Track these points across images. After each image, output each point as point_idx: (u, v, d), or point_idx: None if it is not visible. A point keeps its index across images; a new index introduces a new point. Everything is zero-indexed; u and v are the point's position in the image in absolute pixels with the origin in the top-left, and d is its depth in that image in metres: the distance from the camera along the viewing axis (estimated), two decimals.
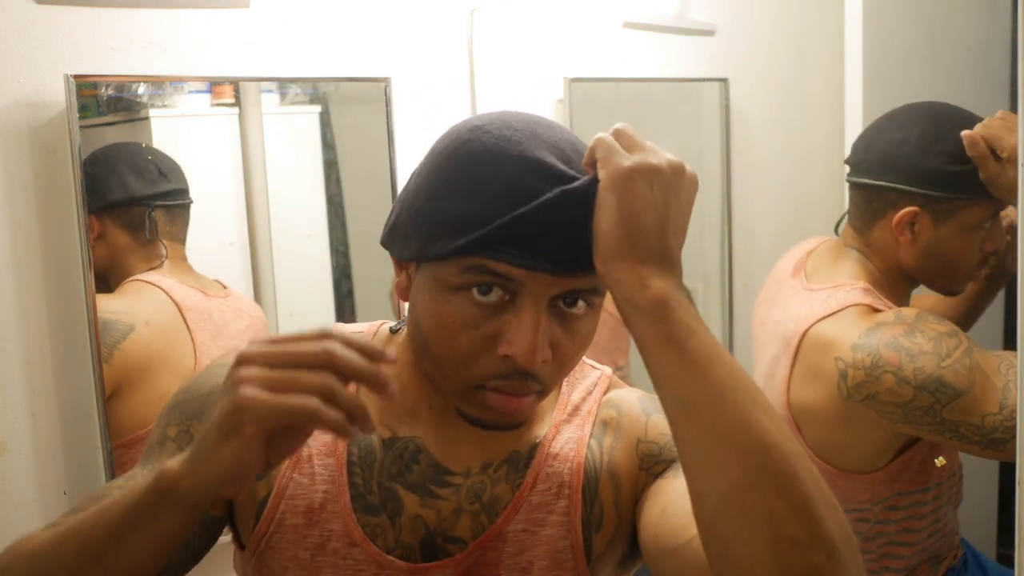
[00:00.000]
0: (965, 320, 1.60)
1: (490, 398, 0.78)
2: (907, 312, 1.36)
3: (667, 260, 0.71)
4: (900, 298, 1.45)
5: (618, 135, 0.74)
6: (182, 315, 1.34)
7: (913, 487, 1.44)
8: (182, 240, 1.36)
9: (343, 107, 1.49)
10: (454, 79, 1.58)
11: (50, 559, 0.72)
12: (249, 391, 0.63)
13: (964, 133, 1.38)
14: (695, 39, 1.95)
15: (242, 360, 0.65)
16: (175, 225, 1.36)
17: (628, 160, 0.71)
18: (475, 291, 0.75)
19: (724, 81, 1.99)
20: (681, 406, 0.67)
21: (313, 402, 0.63)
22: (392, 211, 0.83)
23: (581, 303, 0.77)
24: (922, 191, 1.40)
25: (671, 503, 0.80)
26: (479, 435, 0.87)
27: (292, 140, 1.49)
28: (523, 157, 0.74)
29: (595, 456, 0.88)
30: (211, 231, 1.41)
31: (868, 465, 1.42)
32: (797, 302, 1.48)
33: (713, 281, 2.03)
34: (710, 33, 1.97)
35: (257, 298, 1.45)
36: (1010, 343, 1.33)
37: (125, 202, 1.28)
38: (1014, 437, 1.24)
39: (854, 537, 0.65)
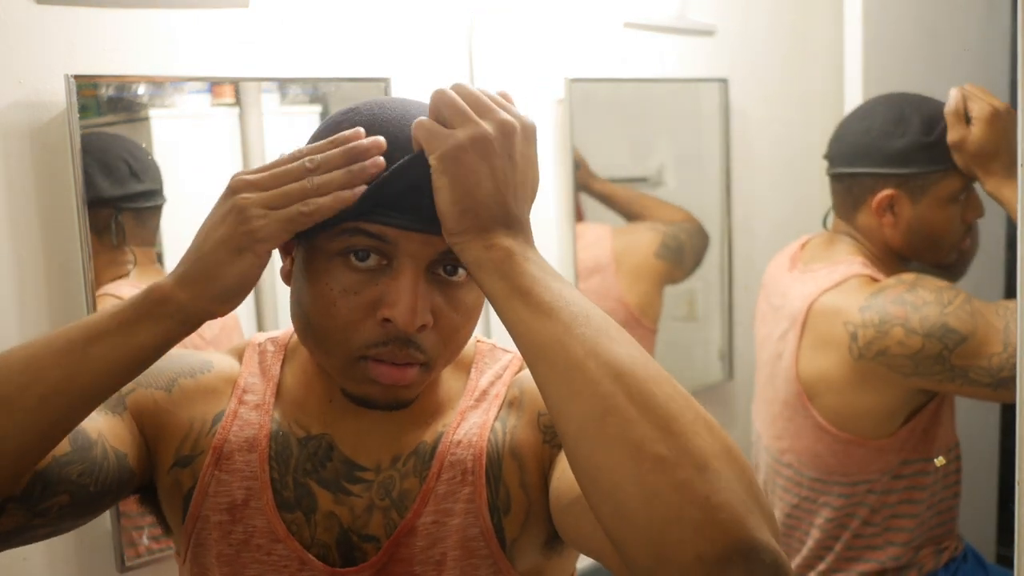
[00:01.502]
0: None
1: (372, 369, 0.78)
2: (906, 275, 1.47)
3: (510, 221, 0.73)
4: (894, 274, 1.50)
5: (439, 107, 0.75)
6: None
7: (917, 455, 1.49)
8: (152, 243, 1.32)
9: (343, 107, 1.49)
10: (454, 79, 1.57)
11: None
12: (256, 211, 0.71)
13: (951, 91, 1.47)
14: (695, 39, 1.95)
15: (237, 187, 0.73)
16: (144, 228, 1.30)
17: (451, 138, 0.72)
18: (352, 257, 0.76)
19: (724, 81, 1.99)
20: (533, 350, 0.68)
21: (308, 205, 0.72)
22: None
23: (461, 271, 0.78)
24: (893, 171, 1.48)
25: (568, 466, 0.80)
26: (387, 428, 0.86)
27: (292, 140, 1.49)
28: (391, 133, 0.77)
29: (498, 438, 0.87)
30: None
31: (880, 430, 1.47)
32: (799, 284, 1.55)
33: (713, 281, 2.03)
34: (710, 33, 1.97)
35: (257, 298, 1.45)
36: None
37: (91, 203, 1.19)
38: None
39: (737, 451, 0.63)
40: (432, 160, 0.72)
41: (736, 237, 2.05)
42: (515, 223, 0.73)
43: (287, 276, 0.85)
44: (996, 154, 1.42)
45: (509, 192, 0.73)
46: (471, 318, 0.81)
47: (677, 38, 1.91)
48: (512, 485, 0.85)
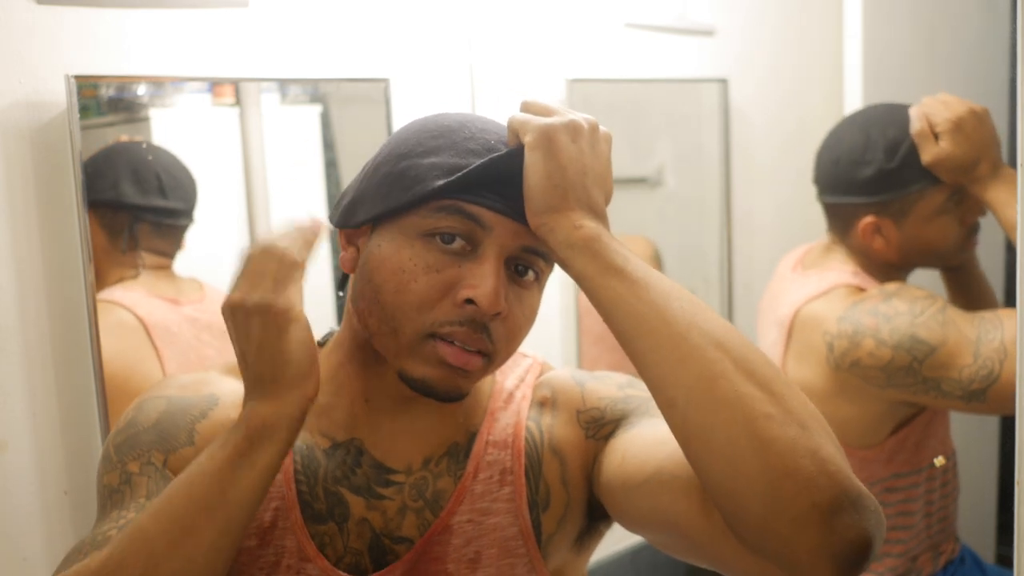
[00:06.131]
0: (967, 292, 1.60)
1: (441, 348, 0.78)
2: (889, 286, 1.44)
3: (593, 207, 0.77)
4: (890, 281, 1.48)
5: (528, 107, 0.80)
6: (148, 334, 1.29)
7: (908, 468, 1.48)
8: (169, 255, 1.33)
9: (343, 107, 1.49)
10: (454, 79, 1.58)
11: (141, 543, 0.70)
12: (264, 295, 0.73)
13: (911, 110, 1.43)
14: (695, 39, 1.95)
15: (235, 301, 0.73)
16: (164, 241, 1.32)
17: (545, 120, 0.77)
18: (439, 239, 0.78)
19: (724, 81, 1.99)
20: (631, 322, 0.72)
21: (288, 250, 0.73)
22: (343, 195, 0.87)
23: (531, 272, 0.81)
24: (866, 200, 1.44)
25: (628, 450, 0.82)
26: (418, 429, 0.87)
27: (292, 140, 1.49)
28: (487, 128, 0.81)
29: (534, 437, 0.89)
30: (211, 231, 1.41)
31: (865, 440, 1.46)
32: (794, 288, 1.54)
33: (713, 281, 2.03)
34: (710, 33, 1.97)
35: None
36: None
37: (110, 204, 1.22)
38: (992, 385, 1.28)
39: (818, 413, 0.69)
40: (527, 138, 0.76)
41: (736, 237, 2.05)
42: (596, 208, 0.77)
43: (351, 262, 0.85)
44: (975, 160, 1.38)
45: (591, 179, 0.77)
46: (530, 321, 0.83)
47: (677, 38, 1.91)
48: (553, 481, 0.87)
